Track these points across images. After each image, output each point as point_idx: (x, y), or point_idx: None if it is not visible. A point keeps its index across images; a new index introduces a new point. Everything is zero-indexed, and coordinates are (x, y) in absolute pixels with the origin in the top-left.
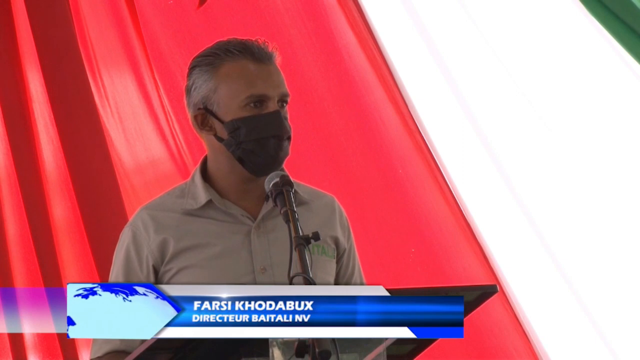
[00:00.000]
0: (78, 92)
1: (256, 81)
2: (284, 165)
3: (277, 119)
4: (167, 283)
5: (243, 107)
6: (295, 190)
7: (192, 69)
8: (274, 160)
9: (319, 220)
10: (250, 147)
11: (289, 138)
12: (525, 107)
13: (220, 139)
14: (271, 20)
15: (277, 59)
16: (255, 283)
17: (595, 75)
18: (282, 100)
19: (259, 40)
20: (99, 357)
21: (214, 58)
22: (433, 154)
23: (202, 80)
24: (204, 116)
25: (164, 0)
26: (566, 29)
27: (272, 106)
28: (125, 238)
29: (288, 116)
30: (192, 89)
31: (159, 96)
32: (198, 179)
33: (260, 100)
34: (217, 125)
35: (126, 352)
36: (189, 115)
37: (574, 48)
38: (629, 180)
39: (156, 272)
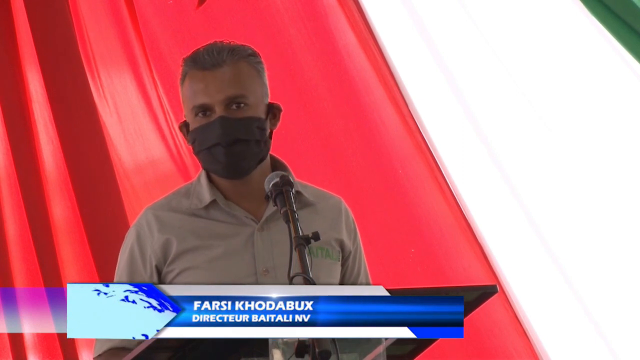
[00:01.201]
0: (77, 92)
1: (198, 91)
2: (287, 165)
3: (217, 126)
4: (170, 283)
5: (194, 119)
6: (298, 192)
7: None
8: (227, 167)
9: (325, 223)
10: (204, 157)
11: (241, 140)
12: (525, 107)
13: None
14: (271, 20)
15: (242, 58)
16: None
17: (596, 75)
18: (233, 102)
19: (217, 43)
20: (99, 355)
21: (182, 70)
22: (433, 154)
23: (180, 93)
24: (185, 128)
25: (164, 0)
26: (566, 29)
27: (218, 112)
28: (130, 238)
29: (255, 114)
30: None
31: (159, 96)
32: (204, 179)
33: (204, 110)
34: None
35: (126, 349)
36: None
37: (574, 48)
38: (629, 180)
39: (159, 272)
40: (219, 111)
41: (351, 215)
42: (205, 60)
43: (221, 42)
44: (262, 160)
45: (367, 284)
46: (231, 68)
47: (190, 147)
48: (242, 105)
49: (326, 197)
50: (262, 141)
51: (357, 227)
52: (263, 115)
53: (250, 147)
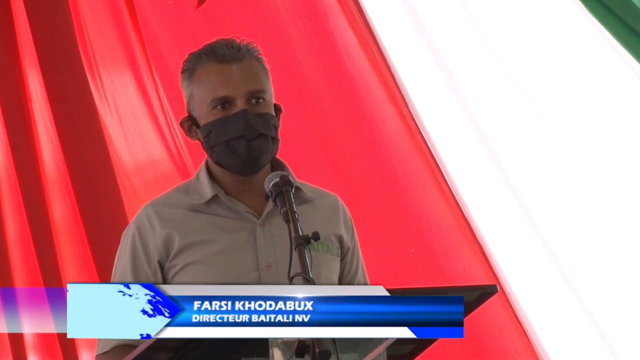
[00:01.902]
0: (77, 92)
1: (219, 83)
2: (287, 165)
3: (242, 118)
4: (172, 279)
5: (211, 111)
6: (298, 189)
7: (180, 74)
8: (247, 161)
9: (323, 218)
10: (221, 150)
11: (263, 135)
12: (525, 107)
13: (202, 144)
14: (271, 20)
15: (256, 55)
16: (260, 280)
17: (595, 75)
18: (253, 97)
19: (236, 38)
20: (105, 353)
21: (190, 64)
22: (433, 154)
23: (184, 88)
24: (189, 123)
25: (164, 0)
26: (566, 29)
27: (240, 105)
28: (130, 234)
29: (271, 111)
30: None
31: (159, 96)
32: (204, 175)
33: (224, 102)
34: (198, 130)
35: (132, 346)
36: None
37: (574, 48)
38: (629, 180)
39: (161, 267)
40: (240, 105)
41: (348, 212)
42: (226, 54)
43: (233, 38)
44: (273, 158)
45: (365, 280)
46: (250, 64)
47: (190, 145)
48: (261, 100)
49: (323, 194)
50: (276, 139)
51: (353, 224)
52: (274, 114)
53: (268, 143)
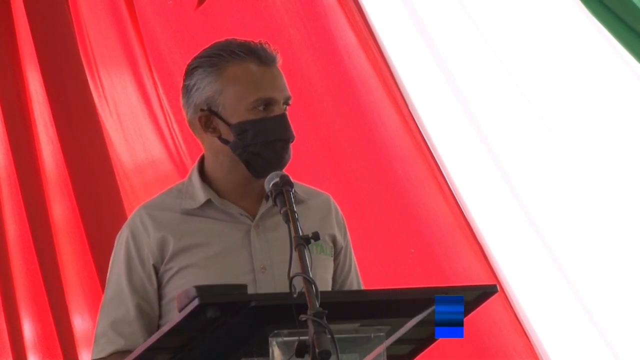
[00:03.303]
0: (77, 93)
1: (263, 84)
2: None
3: (284, 122)
4: (168, 282)
5: (250, 110)
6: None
7: (193, 69)
8: (278, 163)
9: (316, 219)
10: (257, 149)
11: (292, 141)
12: (525, 107)
13: (225, 141)
14: (271, 20)
15: (279, 62)
16: (255, 282)
17: (596, 75)
18: (287, 103)
19: (261, 42)
20: (102, 358)
21: (218, 59)
22: (433, 154)
23: (206, 82)
24: (208, 118)
25: (163, 0)
26: (566, 29)
27: (278, 109)
28: (124, 238)
29: None
30: (194, 89)
31: (158, 96)
32: (196, 178)
33: (267, 104)
34: (222, 127)
35: (130, 352)
36: (187, 115)
37: (574, 48)
38: (629, 180)
39: (156, 271)
40: (278, 109)
41: (340, 211)
42: (267, 56)
43: (262, 41)
44: None
45: (358, 280)
46: (279, 70)
47: (189, 145)
48: (287, 107)
49: (315, 194)
50: None
51: (346, 223)
52: None
53: (291, 148)
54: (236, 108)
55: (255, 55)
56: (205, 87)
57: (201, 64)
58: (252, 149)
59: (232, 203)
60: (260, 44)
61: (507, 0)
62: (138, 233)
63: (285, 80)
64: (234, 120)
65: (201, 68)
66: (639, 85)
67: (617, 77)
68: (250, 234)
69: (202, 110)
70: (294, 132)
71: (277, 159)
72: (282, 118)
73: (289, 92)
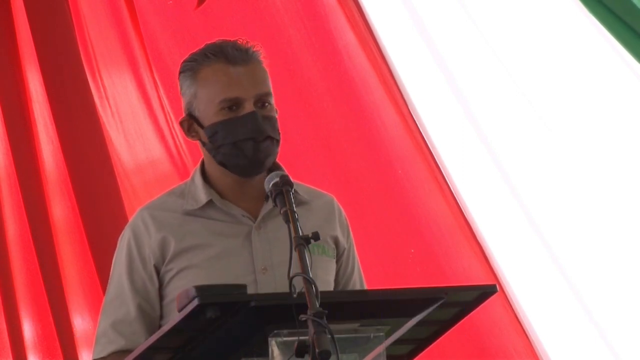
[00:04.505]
0: (77, 93)
1: (229, 84)
2: (283, 165)
3: (252, 120)
4: (169, 283)
5: (219, 112)
6: (294, 190)
7: (179, 74)
8: (253, 162)
9: (319, 220)
10: (228, 150)
11: (270, 138)
12: (525, 107)
13: (203, 144)
14: (271, 20)
15: (259, 58)
16: (256, 283)
17: (596, 75)
18: (261, 100)
19: (239, 40)
20: (103, 358)
21: (194, 63)
22: (433, 154)
23: (185, 87)
24: (190, 122)
25: (163, 0)
26: (566, 29)
27: (248, 108)
28: (126, 238)
29: (274, 114)
30: (181, 95)
31: (158, 96)
32: (198, 179)
33: (234, 104)
34: (200, 130)
35: (130, 351)
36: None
37: (574, 48)
38: (629, 180)
39: (157, 272)
40: (248, 107)
41: (344, 213)
42: (236, 56)
43: (237, 40)
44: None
45: (361, 281)
46: (257, 67)
47: (189, 145)
48: (266, 104)
49: (319, 195)
50: (279, 141)
51: (349, 225)
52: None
53: (274, 145)
54: (207, 111)
55: (222, 55)
56: (186, 92)
57: (183, 69)
58: (223, 150)
59: (234, 204)
60: (234, 42)
61: (507, 0)
62: (140, 233)
63: (261, 77)
64: (206, 122)
65: (182, 73)
66: (639, 85)
67: (617, 77)
68: (252, 235)
69: (185, 115)
70: (293, 130)
71: (249, 158)
72: (250, 116)
73: (266, 89)
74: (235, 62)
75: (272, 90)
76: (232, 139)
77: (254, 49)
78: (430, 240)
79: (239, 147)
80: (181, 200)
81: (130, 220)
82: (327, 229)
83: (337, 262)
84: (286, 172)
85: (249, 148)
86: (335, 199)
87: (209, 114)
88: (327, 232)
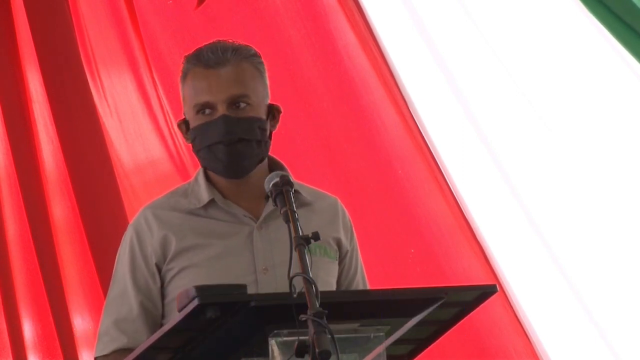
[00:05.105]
0: (77, 93)
1: (201, 89)
2: (285, 165)
3: (221, 124)
4: (170, 282)
5: (195, 116)
6: (296, 191)
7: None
8: (228, 165)
9: (322, 221)
10: (204, 155)
11: (244, 140)
12: (525, 107)
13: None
14: (271, 20)
15: (244, 58)
16: (257, 283)
17: (596, 75)
18: (234, 101)
19: (219, 42)
20: (105, 356)
21: (184, 68)
22: (433, 154)
23: (180, 90)
24: (185, 126)
25: (163, 0)
26: (566, 29)
27: (221, 111)
28: (128, 237)
29: (256, 114)
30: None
31: (158, 96)
32: (201, 179)
33: (207, 107)
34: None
35: (132, 350)
36: None
37: (574, 48)
38: (629, 180)
39: (159, 270)
40: (221, 110)
41: (347, 214)
42: (210, 59)
43: (224, 41)
44: (261, 160)
45: (364, 283)
46: (234, 67)
47: (189, 145)
48: (244, 105)
49: (323, 196)
50: (262, 141)
51: (353, 227)
52: (264, 116)
53: (251, 147)
54: (189, 115)
55: (198, 59)
56: (181, 96)
57: (181, 72)
58: (202, 155)
59: (235, 204)
60: (213, 44)
61: (507, 0)
62: (142, 232)
63: (235, 79)
64: (190, 127)
65: (180, 77)
66: (639, 85)
67: (617, 77)
68: (254, 235)
69: (182, 118)
70: (292, 130)
71: (222, 161)
72: (219, 120)
73: (239, 90)
74: (208, 65)
75: (261, 89)
76: (206, 143)
77: (239, 48)
78: (430, 240)
79: (212, 151)
80: (184, 200)
81: (134, 218)
82: (330, 230)
83: (339, 263)
84: (289, 171)
85: (220, 151)
86: (339, 201)
87: (191, 119)
88: (329, 233)
